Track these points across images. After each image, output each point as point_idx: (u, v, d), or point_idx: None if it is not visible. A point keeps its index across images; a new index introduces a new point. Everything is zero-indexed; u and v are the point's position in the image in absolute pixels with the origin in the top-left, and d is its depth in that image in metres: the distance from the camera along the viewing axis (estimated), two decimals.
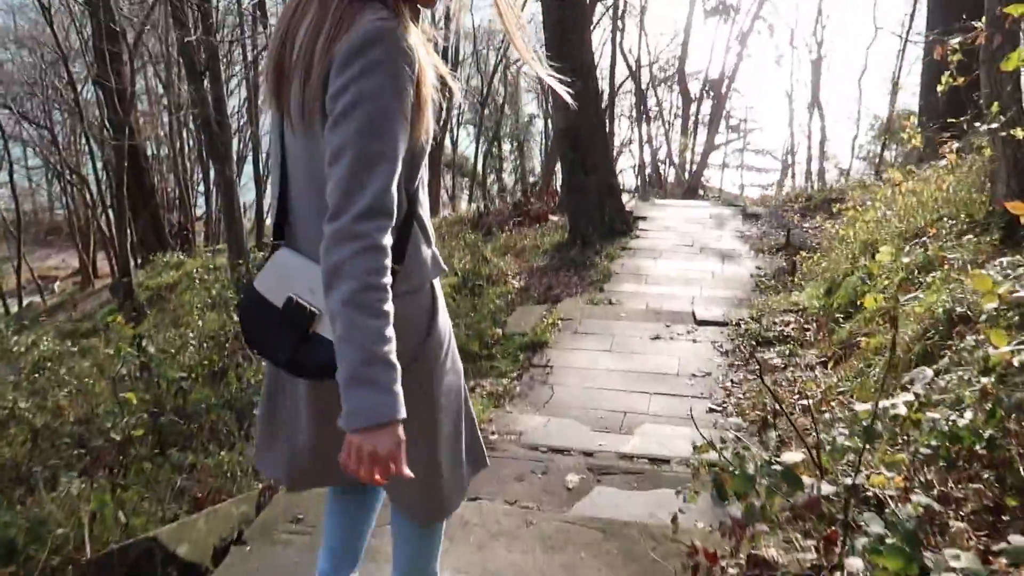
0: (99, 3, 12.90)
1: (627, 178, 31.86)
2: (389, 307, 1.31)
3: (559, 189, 15.69)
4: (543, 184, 21.48)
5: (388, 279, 1.32)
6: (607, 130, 25.06)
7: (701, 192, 21.54)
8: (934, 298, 4.35)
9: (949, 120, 9.02)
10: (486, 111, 28.87)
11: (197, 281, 12.52)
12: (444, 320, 1.75)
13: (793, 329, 6.19)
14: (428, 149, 1.54)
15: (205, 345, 7.68)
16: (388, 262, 1.32)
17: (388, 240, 1.33)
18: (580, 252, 10.13)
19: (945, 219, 5.86)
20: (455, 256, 10.92)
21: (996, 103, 5.13)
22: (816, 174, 26.45)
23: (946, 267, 4.81)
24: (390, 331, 1.30)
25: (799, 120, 27.82)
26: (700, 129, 26.14)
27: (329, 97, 1.36)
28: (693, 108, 26.05)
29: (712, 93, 23.02)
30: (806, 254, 9.41)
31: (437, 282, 1.74)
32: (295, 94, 1.45)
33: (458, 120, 31.91)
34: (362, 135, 1.31)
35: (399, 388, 1.31)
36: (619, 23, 25.18)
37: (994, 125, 5.19)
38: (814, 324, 6.18)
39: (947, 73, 6.92)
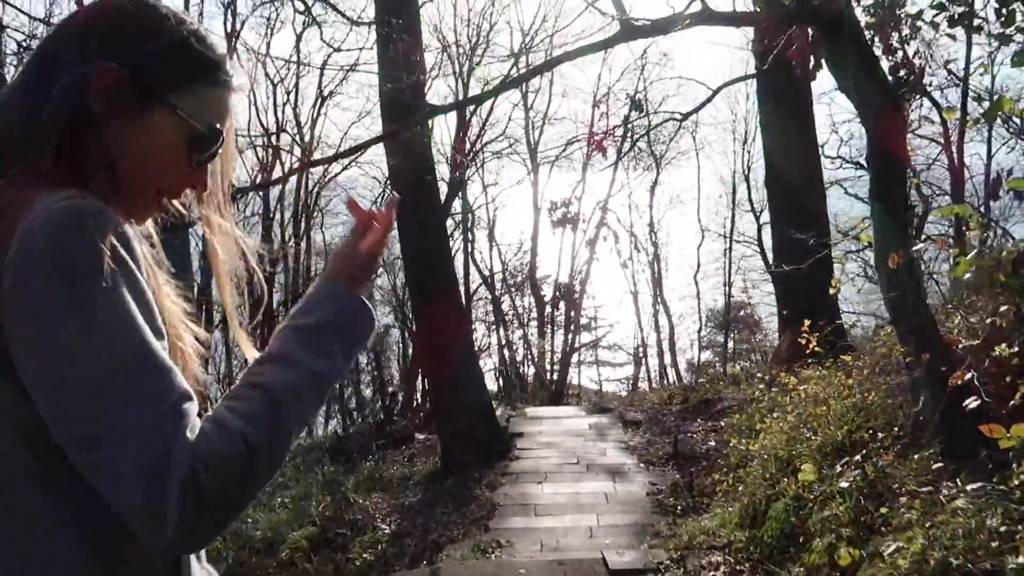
0: None
1: (488, 381, 31.32)
2: None
3: (423, 400, 14.60)
4: (405, 398, 20.27)
5: None
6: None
7: (565, 393, 21.08)
8: (917, 546, 3.48)
9: (809, 321, 8.85)
10: None
11: None
12: None
13: (725, 575, 5.15)
14: None
15: None
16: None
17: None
18: (457, 483, 8.85)
19: (865, 430, 5.23)
20: (312, 498, 9.32)
21: (915, 298, 4.68)
22: (670, 366, 26.90)
23: (916, 501, 4.02)
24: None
25: (646, 317, 28.70)
26: (556, 331, 26.23)
27: None
28: (547, 312, 26.25)
29: (564, 298, 23.29)
30: (700, 467, 8.64)
31: None
32: None
33: None
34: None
35: None
36: (469, 235, 25.60)
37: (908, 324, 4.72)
38: (747, 565, 5.19)
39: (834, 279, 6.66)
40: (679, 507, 7.63)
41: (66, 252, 0.78)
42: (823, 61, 5.06)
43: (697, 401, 10.92)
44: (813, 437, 5.62)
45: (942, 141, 21.01)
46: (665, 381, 26.97)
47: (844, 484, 4.61)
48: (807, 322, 9.83)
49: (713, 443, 9.12)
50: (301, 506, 8.99)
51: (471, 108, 19.46)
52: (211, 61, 1.01)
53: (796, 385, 6.64)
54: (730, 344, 26.79)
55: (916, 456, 4.51)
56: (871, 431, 5.19)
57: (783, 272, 9.99)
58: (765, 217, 25.11)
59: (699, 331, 28.34)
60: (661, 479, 8.63)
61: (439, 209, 10.02)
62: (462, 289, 25.78)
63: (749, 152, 24.41)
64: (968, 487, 3.70)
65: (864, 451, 5.02)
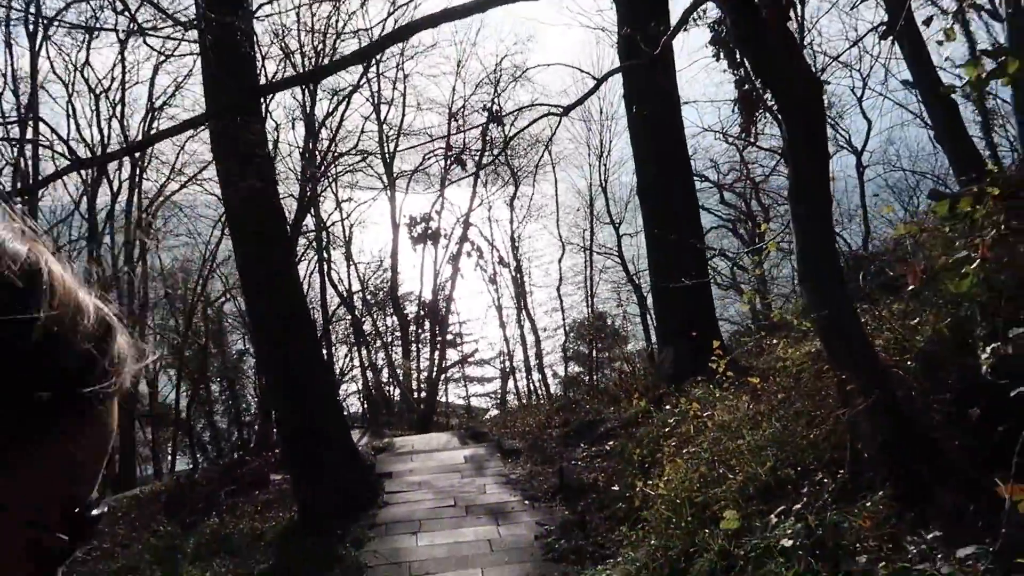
0: None
1: (352, 406, 29.55)
2: None
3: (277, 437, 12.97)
4: (261, 431, 18.36)
5: None
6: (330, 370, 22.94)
7: (434, 414, 19.88)
8: None
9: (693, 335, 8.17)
10: (187, 352, 25.23)
11: None
12: None
13: None
14: None
15: None
16: None
17: None
18: (317, 542, 7.49)
19: (791, 467, 4.47)
20: (140, 574, 7.65)
21: (849, 315, 3.94)
22: (538, 381, 26.33)
23: (880, 566, 3.22)
24: None
25: (512, 330, 28.04)
26: (422, 350, 24.99)
27: None
28: (411, 330, 24.95)
29: (428, 316, 22.11)
30: (591, 501, 7.75)
31: None
32: None
33: (158, 365, 27.66)
34: None
35: None
36: (324, 254, 23.87)
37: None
38: None
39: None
40: (573, 553, 6.68)
41: None
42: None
43: (578, 424, 10.08)
44: (731, 476, 4.81)
45: (781, 153, 21.71)
46: (535, 397, 26.40)
47: (788, 542, 3.78)
48: (693, 336, 9.24)
49: (601, 473, 8.27)
50: None
51: (319, 118, 17.96)
52: None
53: (699, 412, 5.86)
54: (595, 356, 26.59)
55: (865, 503, 3.76)
56: (798, 468, 4.43)
57: (662, 285, 9.36)
58: (624, 228, 25.14)
59: (564, 344, 27.97)
60: (549, 518, 7.67)
61: (284, 233, 8.63)
62: (319, 312, 24.05)
63: (605, 166, 24.34)
64: (959, 552, 2.93)
65: (796, 494, 4.25)
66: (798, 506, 3.99)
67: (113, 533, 10.34)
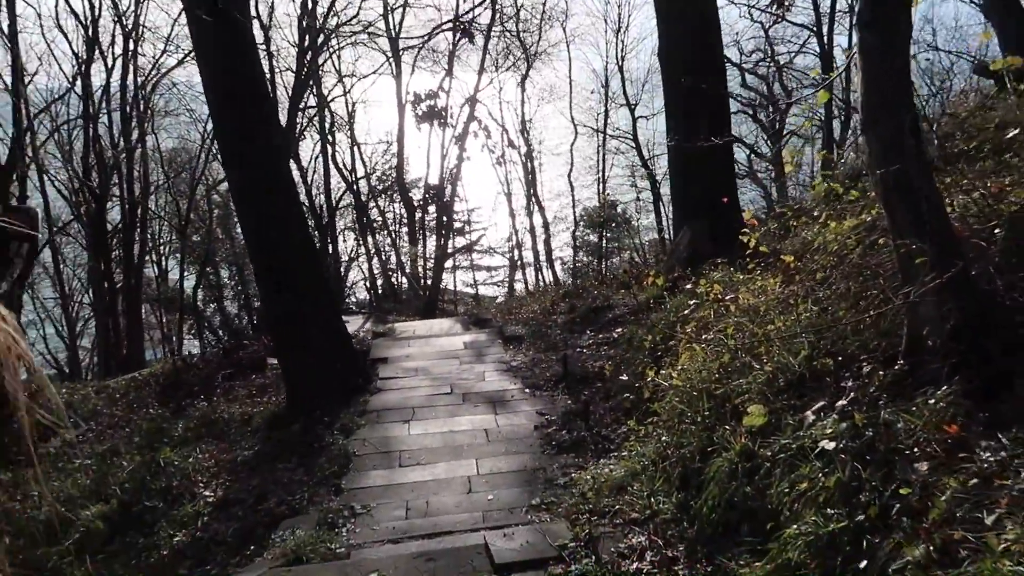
0: None
1: (359, 293, 29.13)
2: None
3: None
4: (261, 318, 17.92)
5: None
6: (329, 253, 22.20)
7: (440, 301, 19.34)
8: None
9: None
10: (195, 237, 24.59)
11: None
12: None
13: (655, 566, 3.62)
14: None
15: None
16: None
17: None
18: (304, 427, 6.98)
19: (831, 356, 3.74)
20: (121, 457, 7.22)
21: (922, 173, 3.10)
22: (546, 267, 25.71)
23: (946, 475, 2.52)
24: None
25: (521, 218, 27.15)
26: (428, 237, 24.23)
27: None
28: (418, 216, 24.11)
29: (435, 200, 21.18)
30: (595, 390, 7.16)
31: None
32: None
33: (165, 250, 27.17)
34: None
35: None
36: (329, 137, 22.73)
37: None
38: (681, 549, 3.68)
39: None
40: (574, 446, 6.13)
41: None
42: None
43: (585, 310, 9.42)
44: (756, 367, 4.10)
45: (813, 27, 20.05)
46: (542, 283, 25.80)
47: (828, 444, 3.09)
48: (714, 216, 8.38)
49: (608, 361, 7.65)
50: (104, 470, 6.88)
51: None
52: None
53: (720, 295, 5.10)
54: (604, 245, 25.77)
55: (927, 400, 3.04)
56: (839, 358, 3.71)
57: (684, 145, 8.41)
58: (640, 110, 23.73)
59: (573, 231, 27.07)
60: (550, 407, 7.10)
61: (261, 94, 7.65)
62: (323, 197, 23.17)
63: (623, 42, 22.68)
64: None
65: (837, 389, 3.53)
66: (842, 402, 3.28)
67: (110, 415, 9.99)
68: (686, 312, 6.35)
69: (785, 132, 22.14)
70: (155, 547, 5.53)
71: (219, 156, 7.75)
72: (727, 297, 5.02)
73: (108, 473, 6.77)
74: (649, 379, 5.06)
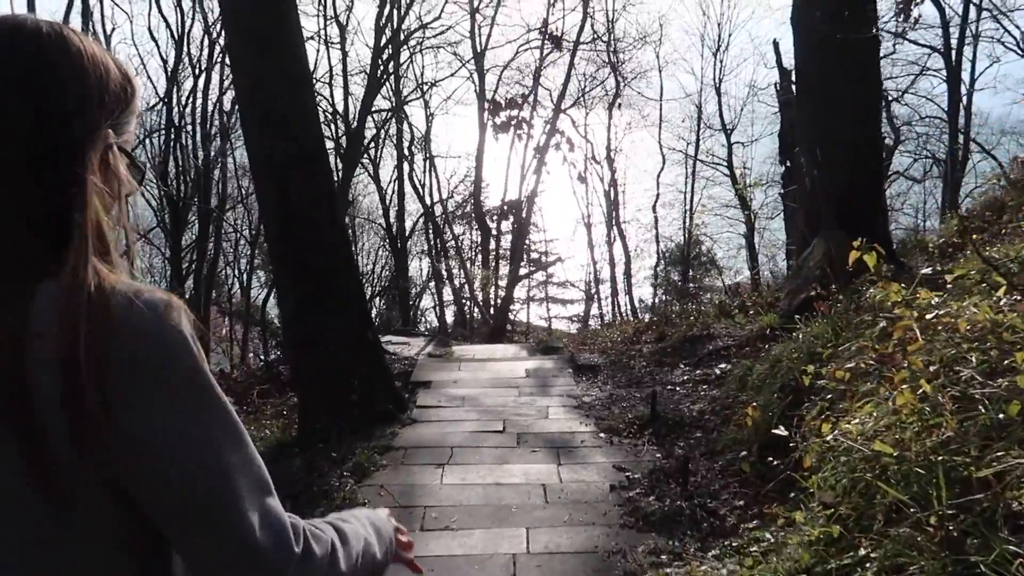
0: None
1: (430, 319, 27.71)
2: None
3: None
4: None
5: None
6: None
7: (509, 328, 17.57)
8: None
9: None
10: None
11: None
12: None
13: None
14: None
15: None
16: None
17: None
18: (308, 463, 5.22)
19: None
20: None
21: None
22: (624, 302, 23.67)
23: None
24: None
25: (600, 249, 25.27)
26: (501, 264, 22.61)
27: None
28: (492, 245, 22.55)
29: (512, 217, 19.51)
30: (695, 441, 5.20)
31: None
32: None
33: (240, 262, 26.47)
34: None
35: None
36: (406, 153, 21.53)
37: None
38: None
39: None
40: (666, 517, 4.17)
41: (188, 345, 0.80)
42: None
43: (679, 339, 7.42)
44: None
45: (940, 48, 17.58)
46: (619, 319, 23.76)
47: None
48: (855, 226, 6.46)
49: (710, 403, 5.67)
50: None
51: None
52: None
53: (923, 313, 3.08)
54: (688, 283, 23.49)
55: None
56: None
57: (815, 148, 6.44)
58: (737, 136, 21.58)
59: (656, 266, 24.89)
60: (633, 461, 5.14)
61: (295, 37, 6.08)
62: (395, 214, 21.89)
63: (722, 62, 20.67)
64: None
65: None
66: None
67: None
68: (833, 339, 4.35)
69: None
70: None
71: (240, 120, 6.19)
72: (927, 315, 3.01)
73: None
74: (814, 438, 3.07)
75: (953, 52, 16.78)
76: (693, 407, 5.80)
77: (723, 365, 6.48)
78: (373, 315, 28.57)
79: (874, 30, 6.95)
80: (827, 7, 6.60)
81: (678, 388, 6.36)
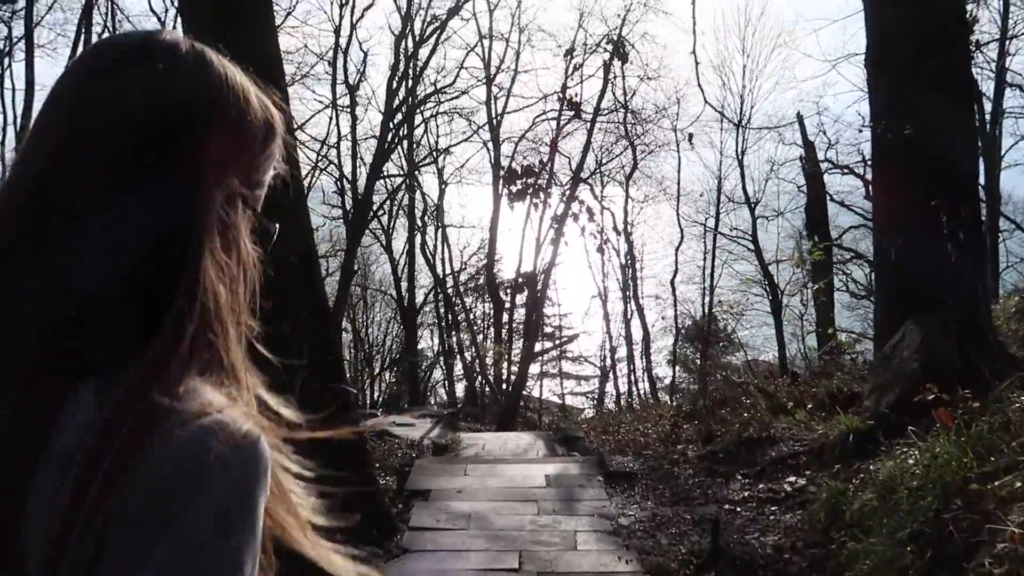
0: None
1: (440, 392, 26.33)
2: None
3: None
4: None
5: None
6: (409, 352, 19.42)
7: (522, 404, 16.19)
8: None
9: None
10: None
11: None
12: None
13: None
14: None
15: None
16: None
17: None
18: None
19: None
20: None
21: None
22: (643, 380, 22.23)
23: None
24: None
25: (616, 324, 23.96)
26: (514, 339, 21.36)
27: None
28: (505, 318, 21.35)
29: (527, 290, 18.36)
30: None
31: None
32: None
33: None
34: None
35: None
36: (418, 223, 20.64)
37: None
38: None
39: None
40: None
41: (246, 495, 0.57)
42: None
43: (731, 441, 6.06)
44: None
45: None
46: (635, 397, 22.22)
47: None
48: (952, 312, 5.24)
49: (787, 536, 4.31)
50: None
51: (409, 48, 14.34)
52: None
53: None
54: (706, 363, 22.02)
55: None
56: None
57: (898, 212, 5.28)
58: (761, 210, 20.52)
59: (675, 343, 23.49)
60: None
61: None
62: (406, 285, 20.87)
63: (745, 137, 19.70)
64: None
65: None
66: None
67: None
68: (998, 469, 3.05)
69: None
70: None
71: None
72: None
73: None
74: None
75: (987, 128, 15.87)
76: (764, 539, 4.43)
77: (792, 479, 5.13)
78: (382, 389, 27.28)
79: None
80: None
81: (739, 509, 4.99)
